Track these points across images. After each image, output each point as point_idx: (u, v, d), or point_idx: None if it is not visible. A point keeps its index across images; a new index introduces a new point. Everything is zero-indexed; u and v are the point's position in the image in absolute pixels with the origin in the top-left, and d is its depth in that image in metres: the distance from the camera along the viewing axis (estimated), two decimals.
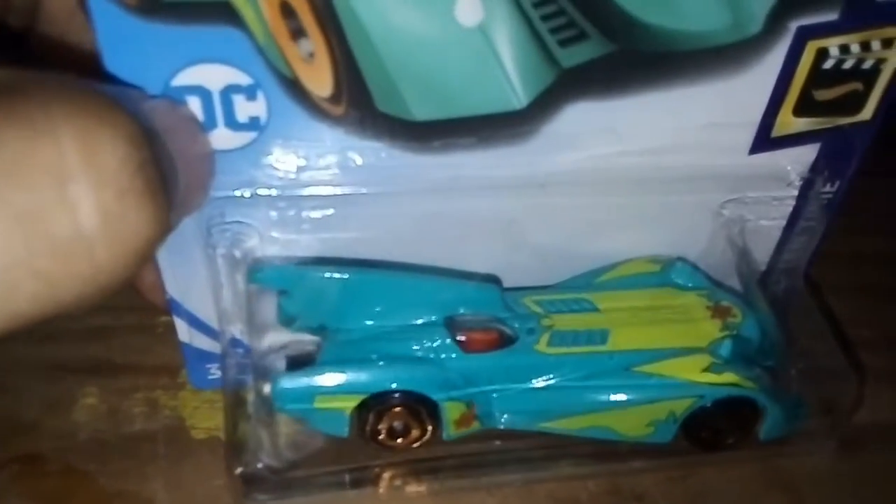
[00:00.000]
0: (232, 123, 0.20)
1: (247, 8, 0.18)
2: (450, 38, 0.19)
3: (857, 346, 0.29)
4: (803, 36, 0.21)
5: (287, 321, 0.22)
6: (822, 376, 0.23)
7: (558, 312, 0.23)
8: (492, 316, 0.23)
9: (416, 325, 0.22)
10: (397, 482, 0.23)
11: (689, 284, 0.24)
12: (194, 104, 0.19)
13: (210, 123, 0.20)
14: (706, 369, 0.22)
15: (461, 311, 0.22)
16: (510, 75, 0.20)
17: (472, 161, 0.22)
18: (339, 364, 0.21)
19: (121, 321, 0.26)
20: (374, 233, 0.22)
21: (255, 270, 0.21)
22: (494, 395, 0.22)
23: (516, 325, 0.23)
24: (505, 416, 0.22)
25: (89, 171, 0.13)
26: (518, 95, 0.20)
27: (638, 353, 0.22)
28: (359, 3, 0.18)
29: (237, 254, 0.21)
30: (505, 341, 0.22)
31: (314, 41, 0.19)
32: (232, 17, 0.18)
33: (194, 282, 0.23)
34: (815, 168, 0.24)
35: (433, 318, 0.22)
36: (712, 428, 0.23)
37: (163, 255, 0.22)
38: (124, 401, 0.27)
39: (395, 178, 0.21)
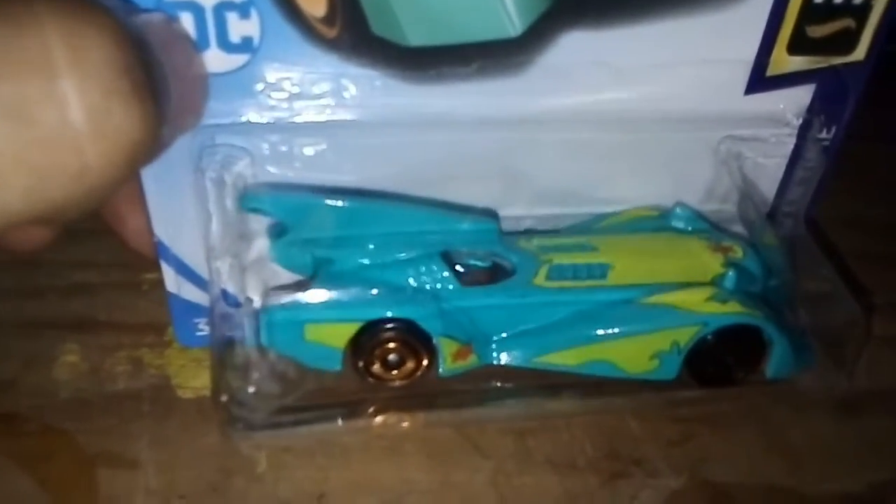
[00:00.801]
0: (224, 44, 0.20)
1: None
2: None
3: None
4: None
5: (278, 253, 0.22)
6: (828, 314, 0.23)
7: (556, 251, 0.23)
8: (489, 251, 0.22)
9: (413, 256, 0.21)
10: (390, 417, 0.22)
11: (689, 228, 0.24)
12: (187, 21, 0.19)
13: (203, 43, 0.20)
14: (710, 299, 0.22)
15: (458, 244, 0.22)
16: (505, 1, 0.20)
17: (468, 92, 0.22)
18: (332, 293, 0.20)
19: (105, 277, 0.25)
20: (368, 165, 0.22)
21: (247, 196, 0.21)
22: (492, 328, 0.21)
23: (514, 260, 0.22)
24: (503, 350, 0.22)
25: (75, 68, 0.13)
26: (513, 22, 0.21)
27: (639, 286, 0.22)
28: None
29: (227, 178, 0.20)
30: (502, 275, 0.22)
31: None
32: None
33: (184, 222, 0.22)
34: (811, 110, 0.24)
35: (429, 251, 0.22)
36: (718, 361, 0.22)
37: (151, 191, 0.22)
38: (107, 359, 0.26)
39: (390, 108, 0.21)
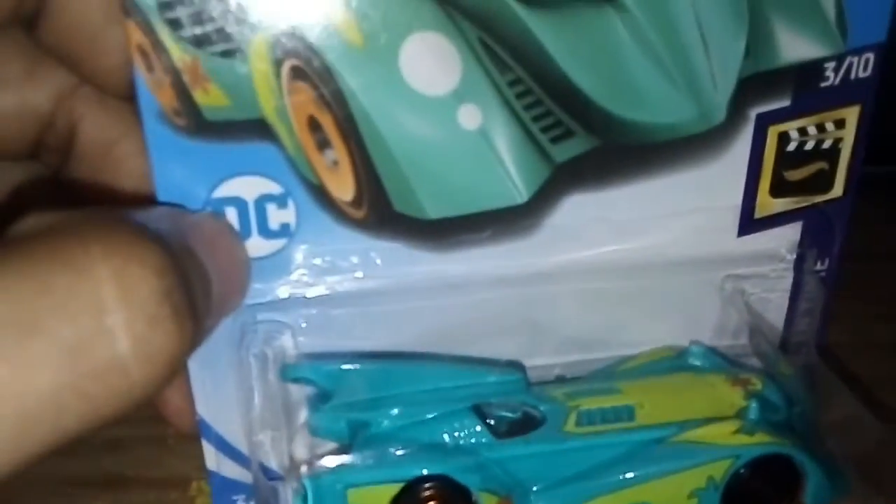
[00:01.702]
0: (265, 231, 0.22)
1: (279, 124, 0.21)
2: (455, 142, 0.22)
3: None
4: (764, 122, 0.24)
5: (316, 423, 0.23)
6: (856, 439, 0.23)
7: (583, 396, 0.24)
8: (518, 401, 0.24)
9: (445, 412, 0.22)
10: None
11: (706, 364, 0.25)
12: (231, 214, 0.22)
13: (245, 232, 0.22)
14: (737, 431, 0.22)
15: (487, 397, 0.23)
16: (510, 172, 0.23)
17: (485, 256, 0.24)
18: (370, 456, 0.21)
19: (133, 432, 0.27)
20: (398, 329, 0.24)
21: (287, 367, 0.22)
22: (529, 478, 0.22)
23: (543, 409, 0.23)
24: (542, 501, 0.22)
25: (123, 304, 0.15)
26: (520, 190, 0.23)
27: (667, 425, 0.23)
28: (376, 115, 0.22)
29: (269, 352, 0.22)
30: (532, 425, 0.23)
31: (337, 150, 0.22)
32: (266, 133, 0.21)
33: (225, 401, 0.24)
34: (801, 245, 0.26)
35: (460, 405, 0.23)
36: (755, 495, 0.23)
37: (195, 372, 0.23)
38: None
39: (414, 276, 0.23)
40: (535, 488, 0.22)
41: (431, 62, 0.21)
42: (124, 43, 0.19)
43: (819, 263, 0.27)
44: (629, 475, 0.22)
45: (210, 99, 0.21)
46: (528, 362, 0.25)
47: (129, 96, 0.21)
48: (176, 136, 0.21)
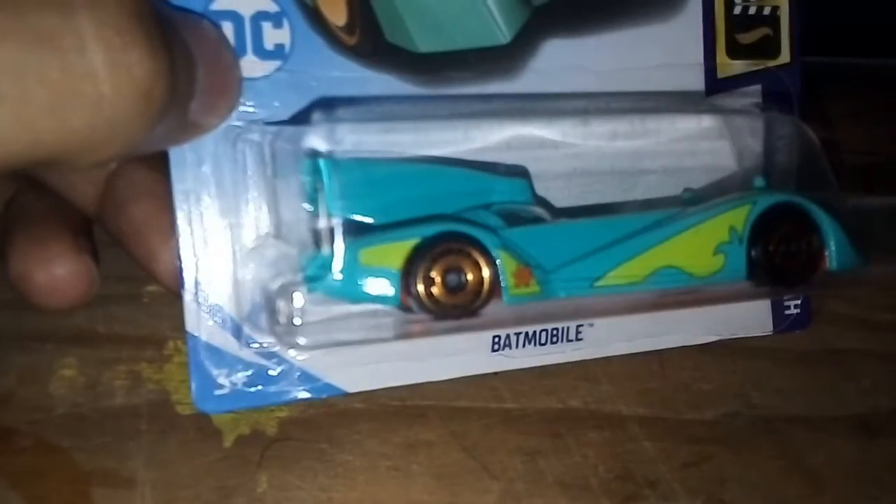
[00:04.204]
0: (259, 50, 0.24)
1: None
2: None
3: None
4: None
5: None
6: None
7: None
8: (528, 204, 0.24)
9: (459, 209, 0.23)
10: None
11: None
12: (227, 29, 0.24)
13: (240, 49, 0.23)
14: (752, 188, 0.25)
15: (492, 200, 0.24)
16: (493, 12, 0.25)
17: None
18: (383, 223, 0.21)
19: (106, 289, 0.24)
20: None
21: (306, 162, 0.23)
22: (547, 259, 0.22)
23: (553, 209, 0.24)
24: (563, 277, 0.22)
25: (91, 7, 0.16)
26: (502, 30, 0.26)
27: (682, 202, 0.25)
28: None
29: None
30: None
31: None
32: None
33: (214, 244, 0.23)
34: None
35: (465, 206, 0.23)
36: (781, 250, 0.24)
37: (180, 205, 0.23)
38: (105, 373, 0.27)
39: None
40: (554, 266, 0.22)
41: None
42: None
43: None
44: (649, 236, 0.23)
45: None
46: None
47: None
48: None
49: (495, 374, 0.25)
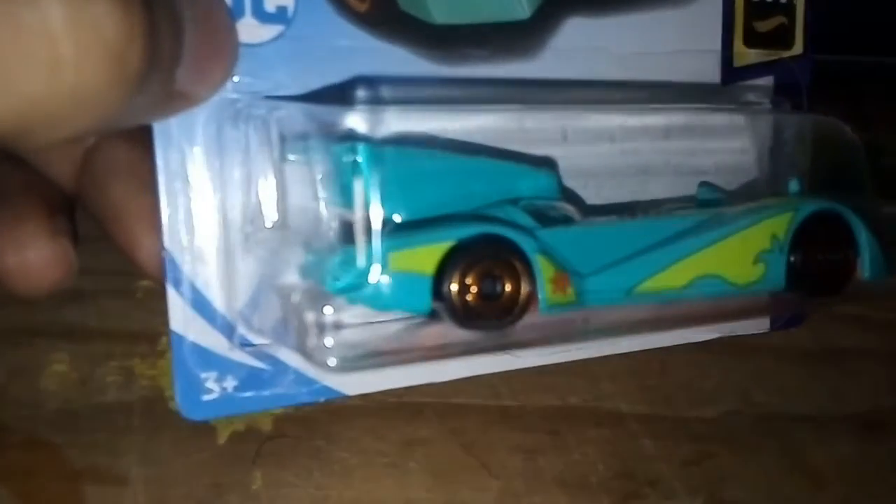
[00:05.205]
0: (259, 13, 0.21)
1: None
2: None
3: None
4: None
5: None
6: None
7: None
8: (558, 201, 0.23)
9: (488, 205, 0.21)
10: None
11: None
12: None
13: (238, 10, 0.21)
14: (792, 195, 0.24)
15: (519, 194, 0.22)
16: None
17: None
18: (414, 222, 0.20)
19: (98, 284, 0.25)
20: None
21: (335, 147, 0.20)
22: (583, 264, 0.21)
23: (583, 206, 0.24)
24: (600, 283, 0.21)
25: None
26: (522, 4, 0.25)
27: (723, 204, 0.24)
28: None
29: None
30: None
31: None
32: None
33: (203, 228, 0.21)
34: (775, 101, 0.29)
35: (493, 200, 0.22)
36: (820, 260, 0.23)
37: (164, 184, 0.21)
38: (97, 368, 0.26)
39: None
40: (590, 271, 0.21)
41: None
42: None
43: None
44: (690, 241, 0.22)
45: None
46: None
47: None
48: None
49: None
